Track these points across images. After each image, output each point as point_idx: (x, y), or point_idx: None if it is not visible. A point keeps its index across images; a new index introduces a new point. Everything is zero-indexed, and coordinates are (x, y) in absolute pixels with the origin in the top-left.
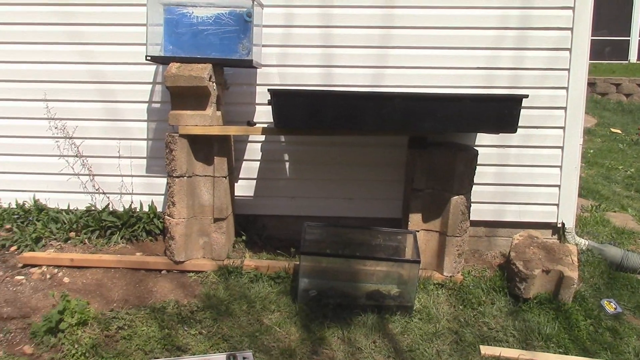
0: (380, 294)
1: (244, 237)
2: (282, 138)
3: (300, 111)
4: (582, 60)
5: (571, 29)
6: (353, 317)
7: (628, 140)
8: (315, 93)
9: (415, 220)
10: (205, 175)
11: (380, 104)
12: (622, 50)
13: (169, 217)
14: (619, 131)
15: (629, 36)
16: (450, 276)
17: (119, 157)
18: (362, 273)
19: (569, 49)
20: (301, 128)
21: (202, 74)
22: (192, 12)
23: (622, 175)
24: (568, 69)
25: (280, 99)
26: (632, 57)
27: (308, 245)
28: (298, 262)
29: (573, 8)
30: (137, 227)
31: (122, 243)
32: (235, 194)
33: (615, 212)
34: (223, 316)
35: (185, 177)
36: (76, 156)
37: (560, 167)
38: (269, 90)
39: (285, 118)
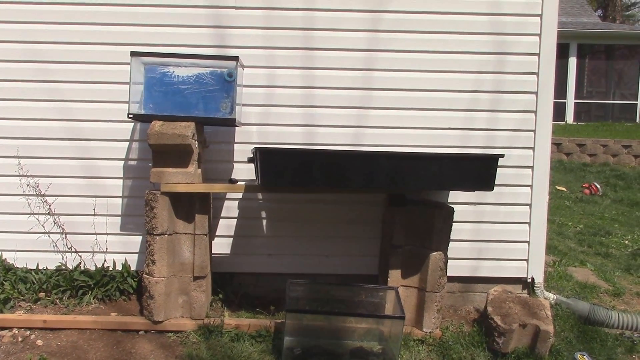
0: (364, 351)
1: (220, 295)
2: (260, 196)
3: (288, 169)
4: (547, 122)
5: (536, 93)
6: None
7: (573, 198)
8: (303, 151)
9: (394, 276)
10: (186, 233)
11: (367, 162)
12: (560, 111)
13: (147, 276)
14: (564, 189)
15: (565, 99)
16: (430, 332)
17: (94, 214)
18: (345, 330)
19: (535, 112)
20: (288, 186)
21: (186, 132)
22: (174, 72)
23: (573, 231)
24: (534, 130)
25: (267, 156)
26: (569, 119)
27: (293, 303)
28: (279, 320)
29: (537, 74)
30: (111, 286)
31: (95, 303)
32: (212, 252)
33: (575, 267)
34: None
35: (166, 235)
36: (48, 214)
37: (529, 223)
38: (255, 148)
39: (272, 176)
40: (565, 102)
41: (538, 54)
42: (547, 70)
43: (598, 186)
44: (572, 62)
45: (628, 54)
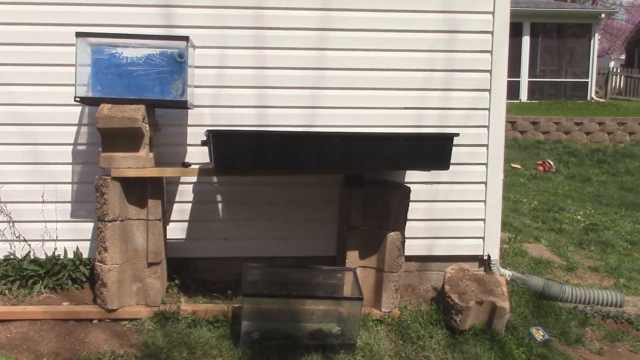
0: (323, 332)
1: (177, 281)
2: (215, 179)
3: (241, 152)
4: (500, 100)
5: (490, 71)
6: (298, 358)
7: (527, 175)
8: (256, 133)
9: (352, 257)
10: (139, 219)
11: (322, 143)
12: (514, 90)
13: (100, 264)
14: (519, 166)
15: (519, 77)
16: (389, 312)
17: (43, 201)
18: (303, 313)
19: (489, 90)
20: (242, 169)
21: (136, 115)
22: (122, 53)
23: (528, 208)
24: (488, 109)
25: (221, 139)
26: (523, 97)
27: (249, 287)
28: (237, 305)
29: (491, 52)
30: (62, 275)
31: (47, 293)
32: (167, 237)
33: (530, 243)
34: None
35: (117, 221)
36: None
37: (485, 201)
38: (207, 131)
39: (225, 159)
40: (519, 81)
41: (491, 32)
42: (500, 49)
43: (551, 163)
44: (526, 40)
45: (579, 32)
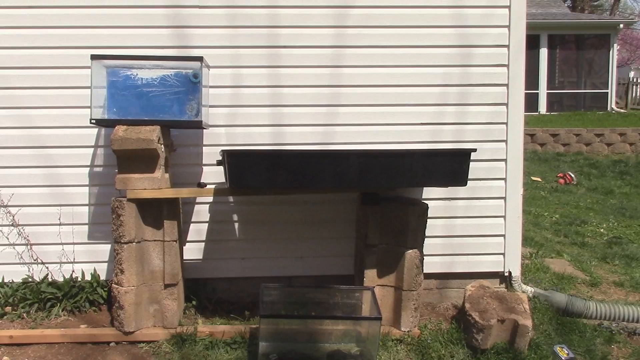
0: (342, 353)
1: (194, 302)
2: (231, 198)
3: (256, 171)
4: (518, 114)
5: (507, 85)
6: None
7: (548, 188)
8: (271, 153)
9: (370, 276)
10: (155, 240)
11: (336, 161)
12: (532, 102)
13: (116, 286)
14: (539, 179)
15: (538, 89)
16: (408, 331)
17: (60, 224)
18: (321, 333)
19: (506, 104)
20: (257, 188)
21: (151, 136)
22: (137, 74)
23: (549, 222)
24: (506, 123)
25: (236, 159)
26: (542, 109)
27: (267, 308)
28: (254, 326)
29: (507, 66)
30: (80, 297)
31: (64, 315)
32: (184, 258)
33: (552, 258)
34: None
35: (134, 243)
36: (11, 225)
37: (504, 217)
38: (222, 151)
39: (241, 178)
40: (537, 93)
41: (507, 46)
42: (517, 62)
43: (572, 175)
44: (543, 52)
45: (597, 43)
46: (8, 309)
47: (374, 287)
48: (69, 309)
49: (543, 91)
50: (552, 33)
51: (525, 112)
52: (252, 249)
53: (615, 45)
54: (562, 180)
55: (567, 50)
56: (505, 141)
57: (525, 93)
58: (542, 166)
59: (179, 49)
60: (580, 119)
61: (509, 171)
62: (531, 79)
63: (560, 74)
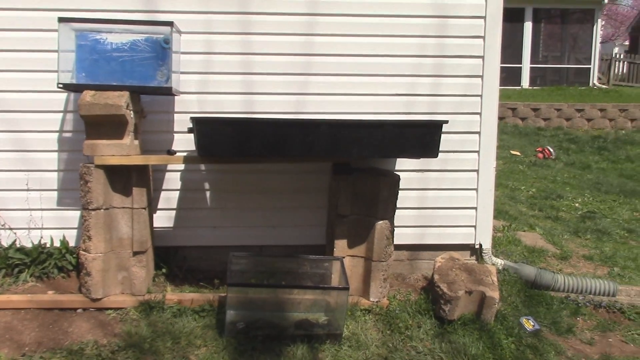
0: (309, 322)
1: (164, 270)
2: (203, 166)
3: (226, 139)
4: (493, 87)
5: (482, 57)
6: (283, 348)
7: (527, 162)
8: (241, 120)
9: (340, 246)
10: (124, 207)
11: (307, 130)
12: (515, 76)
13: (84, 252)
14: (518, 153)
15: (521, 63)
16: (377, 301)
17: (28, 189)
18: (289, 302)
19: (481, 76)
20: (226, 156)
21: (119, 102)
22: (106, 38)
23: (525, 195)
24: (481, 95)
25: (205, 126)
26: (524, 83)
27: (235, 276)
28: (223, 294)
29: (483, 37)
30: (48, 263)
31: (32, 281)
32: (154, 225)
33: (524, 231)
34: (146, 354)
35: (102, 210)
36: None
37: (477, 189)
38: (191, 118)
39: (210, 146)
40: (521, 67)
41: (484, 17)
42: (493, 34)
43: (551, 150)
44: (528, 26)
45: (582, 18)
46: None
47: (344, 257)
48: (37, 275)
49: (526, 65)
50: (537, 7)
51: (508, 86)
52: (224, 218)
53: (599, 20)
54: (540, 155)
55: (551, 25)
56: (480, 114)
57: (509, 67)
58: (522, 140)
59: (150, 14)
60: (562, 93)
61: (483, 144)
62: (515, 53)
63: (545, 48)
